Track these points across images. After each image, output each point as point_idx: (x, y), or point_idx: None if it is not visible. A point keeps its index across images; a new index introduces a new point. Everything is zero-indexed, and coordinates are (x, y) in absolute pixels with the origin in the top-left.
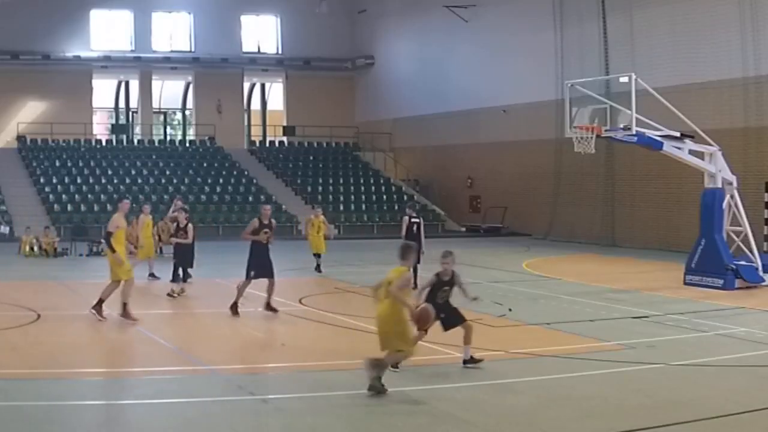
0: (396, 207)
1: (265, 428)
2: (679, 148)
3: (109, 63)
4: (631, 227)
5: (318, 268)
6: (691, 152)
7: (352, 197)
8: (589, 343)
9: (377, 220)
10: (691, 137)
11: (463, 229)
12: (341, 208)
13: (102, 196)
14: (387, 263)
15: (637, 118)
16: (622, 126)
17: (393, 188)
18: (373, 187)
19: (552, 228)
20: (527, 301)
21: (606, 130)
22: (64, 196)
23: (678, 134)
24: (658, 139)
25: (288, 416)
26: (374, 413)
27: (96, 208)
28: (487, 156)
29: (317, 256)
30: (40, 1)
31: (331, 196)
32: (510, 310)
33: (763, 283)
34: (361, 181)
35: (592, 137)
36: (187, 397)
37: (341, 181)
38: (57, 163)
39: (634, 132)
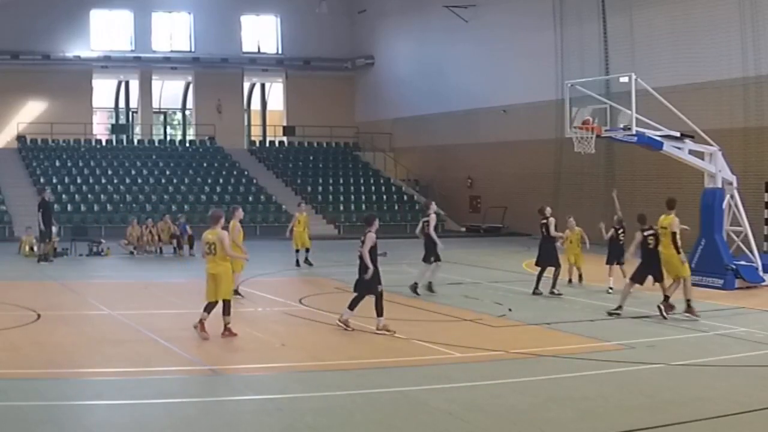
0: (396, 207)
1: (265, 428)
2: (679, 148)
3: (109, 63)
4: (631, 227)
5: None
6: (691, 152)
7: (353, 197)
8: (590, 343)
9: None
10: (691, 137)
11: (463, 229)
12: (341, 208)
13: (102, 196)
14: (386, 263)
15: (637, 118)
16: (622, 126)
17: (393, 188)
18: (373, 187)
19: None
20: (527, 301)
21: (606, 130)
22: (64, 196)
23: (678, 134)
24: (658, 139)
25: (288, 416)
26: (374, 413)
27: (96, 208)
28: (487, 156)
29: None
30: (40, 1)
31: (331, 196)
32: (510, 310)
33: (763, 283)
34: (361, 181)
35: (592, 137)
36: (188, 397)
37: (341, 181)
38: (57, 163)
39: (634, 132)
